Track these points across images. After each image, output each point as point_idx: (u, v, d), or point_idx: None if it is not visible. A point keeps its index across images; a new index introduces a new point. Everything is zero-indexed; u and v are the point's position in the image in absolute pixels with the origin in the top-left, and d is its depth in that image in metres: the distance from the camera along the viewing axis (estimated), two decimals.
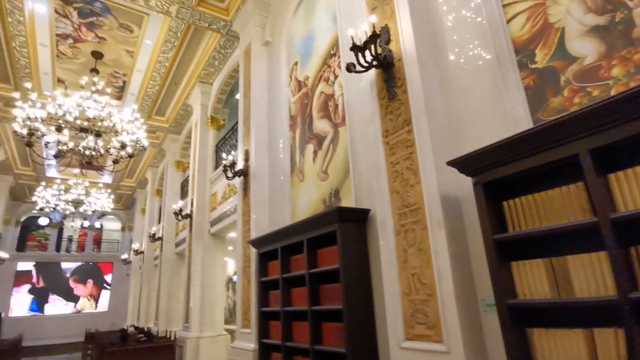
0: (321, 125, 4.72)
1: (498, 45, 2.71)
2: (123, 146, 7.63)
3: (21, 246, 18.75)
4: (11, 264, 17.61)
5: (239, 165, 6.01)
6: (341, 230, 3.39)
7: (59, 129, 7.13)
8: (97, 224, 20.73)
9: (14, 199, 17.61)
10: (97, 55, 8.48)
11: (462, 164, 2.31)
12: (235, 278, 13.00)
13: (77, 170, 11.61)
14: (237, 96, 8.97)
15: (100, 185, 14.48)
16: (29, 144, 7.03)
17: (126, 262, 18.21)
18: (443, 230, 2.49)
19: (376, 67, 3.19)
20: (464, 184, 2.53)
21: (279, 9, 6.29)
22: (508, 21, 2.71)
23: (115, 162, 8.25)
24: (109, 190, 13.44)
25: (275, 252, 4.51)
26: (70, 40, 8.12)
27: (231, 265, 13.04)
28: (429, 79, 2.94)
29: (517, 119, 2.48)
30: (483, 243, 2.14)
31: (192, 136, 9.65)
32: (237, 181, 6.16)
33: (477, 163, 2.21)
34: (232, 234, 8.83)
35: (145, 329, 9.53)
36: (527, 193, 2.05)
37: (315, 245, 3.87)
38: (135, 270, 15.90)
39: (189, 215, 8.49)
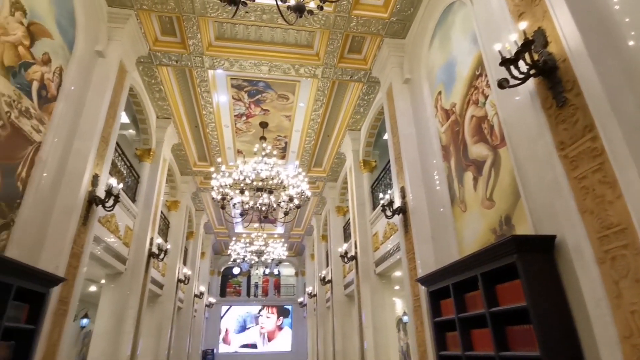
0: (477, 150, 4.41)
1: None
2: (291, 199, 8.59)
3: (223, 292, 22.46)
4: (217, 308, 21.17)
5: (397, 203, 6.03)
6: (522, 262, 2.98)
7: (241, 192, 8.51)
8: (276, 271, 23.35)
9: (215, 253, 21.48)
10: (264, 125, 10.02)
11: None
12: (405, 318, 12.62)
13: (257, 225, 13.59)
14: (385, 137, 9.24)
15: (275, 235, 16.47)
16: (223, 207, 8.60)
17: (302, 305, 19.78)
18: None
19: (535, 75, 2.87)
20: None
21: (414, 46, 6.37)
22: None
23: (285, 213, 9.33)
24: (283, 240, 15.13)
25: (447, 289, 4.23)
26: (244, 118, 9.86)
27: (399, 305, 12.77)
28: (609, 74, 2.47)
29: None
30: None
31: (348, 181, 10.22)
32: (397, 219, 6.15)
33: None
34: (398, 273, 8.74)
35: None
36: None
37: (491, 281, 3.48)
38: (311, 312, 17.08)
39: (354, 257, 8.80)
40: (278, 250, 14.02)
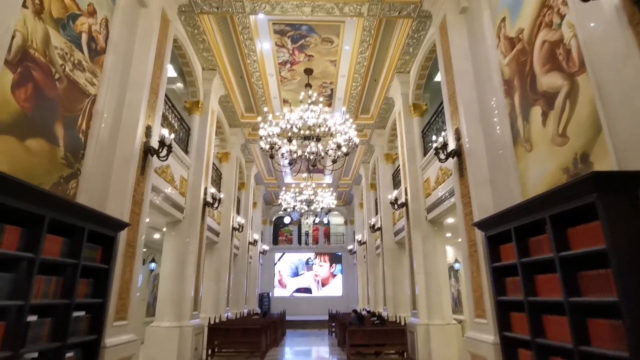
0: (549, 80, 3.91)
1: None
2: (338, 146, 8.44)
3: (275, 240, 23.52)
4: (270, 254, 22.31)
5: (451, 146, 5.68)
6: (603, 203, 2.66)
7: (289, 140, 8.47)
8: (325, 220, 23.88)
9: (266, 204, 22.26)
10: (308, 71, 9.69)
11: None
12: (457, 266, 12.51)
13: (305, 175, 13.72)
14: (437, 78, 8.60)
15: (324, 185, 16.57)
16: (271, 156, 8.65)
17: (352, 252, 20.25)
18: None
19: None
20: None
21: None
22: None
23: (333, 161, 9.20)
24: (331, 189, 15.18)
25: (507, 233, 3.99)
26: (288, 65, 9.58)
27: (450, 253, 12.66)
28: None
29: None
30: None
31: (397, 127, 9.82)
32: (451, 163, 5.83)
33: None
34: (450, 220, 8.49)
35: (377, 313, 10.24)
36: None
37: (560, 224, 3.19)
38: (360, 259, 17.46)
39: (405, 204, 8.64)
40: (327, 199, 14.15)
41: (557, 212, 3.16)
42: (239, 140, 12.57)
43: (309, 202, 14.30)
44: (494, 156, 4.94)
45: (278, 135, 8.68)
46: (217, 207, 9.04)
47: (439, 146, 5.66)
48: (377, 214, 13.39)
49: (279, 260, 22.87)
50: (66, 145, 4.10)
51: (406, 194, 8.67)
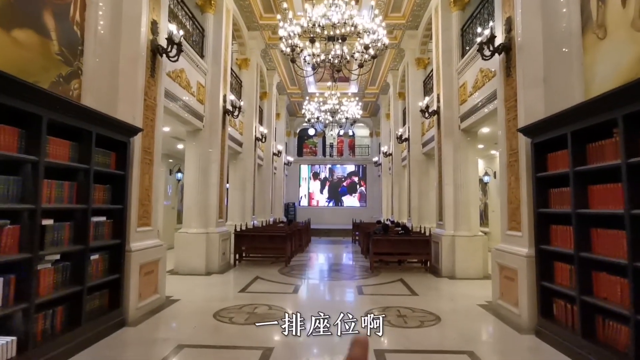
0: None
1: None
2: (366, 48, 7.60)
3: (300, 152, 23.49)
4: (295, 166, 22.46)
5: (499, 40, 4.86)
6: None
7: (311, 41, 7.66)
8: (350, 132, 23.35)
9: (290, 115, 21.75)
10: None
11: None
12: (486, 179, 12.11)
13: (330, 83, 12.92)
14: None
15: (349, 94, 15.72)
16: (293, 60, 7.94)
17: (377, 164, 20.01)
18: None
19: None
20: None
21: None
22: None
23: (360, 66, 8.42)
24: (357, 99, 14.39)
25: (560, 139, 3.47)
26: None
27: (480, 166, 12.22)
28: None
29: None
30: None
31: (433, 24, 8.69)
32: (496, 61, 5.07)
33: None
34: (485, 129, 7.88)
35: (401, 224, 10.26)
36: None
37: (633, 126, 2.65)
38: (385, 171, 17.27)
39: (436, 112, 7.98)
40: (352, 109, 13.49)
41: (632, 111, 2.59)
42: (258, 44, 11.69)
43: (333, 113, 13.72)
44: (553, 50, 4.17)
45: (299, 36, 7.88)
46: (237, 116, 8.68)
47: (484, 40, 4.85)
48: (404, 124, 12.75)
49: (302, 171, 23.07)
50: (60, 38, 3.67)
51: (438, 101, 7.95)
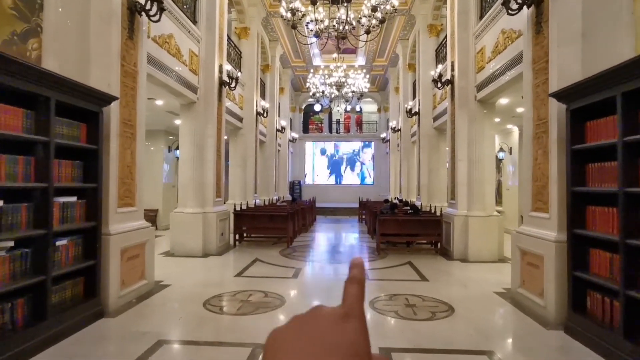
0: None
1: None
2: (374, 9, 6.90)
3: (305, 129, 22.84)
4: (301, 143, 21.88)
5: (446, 76, 4.21)
6: None
7: (313, 2, 6.98)
8: (357, 108, 22.57)
9: (295, 90, 21.00)
10: None
11: None
12: (500, 155, 11.45)
13: (335, 55, 12.18)
14: None
15: (356, 66, 14.94)
16: (294, 26, 7.30)
17: (384, 140, 19.30)
18: None
19: None
20: None
21: None
22: None
23: (367, 32, 7.72)
24: (364, 72, 13.64)
25: (605, 104, 2.89)
26: None
27: (496, 142, 11.54)
28: None
29: None
30: None
31: None
32: (523, 18, 4.40)
33: None
34: (504, 100, 7.23)
35: (410, 202, 9.75)
36: None
37: None
38: (393, 147, 16.63)
39: (450, 82, 7.30)
40: (359, 82, 12.79)
41: None
42: (259, 12, 10.95)
43: (339, 86, 13.03)
44: None
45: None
46: (234, 87, 8.08)
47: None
48: (414, 97, 12.03)
49: (307, 148, 22.47)
50: None
51: (453, 70, 7.25)
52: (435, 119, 9.98)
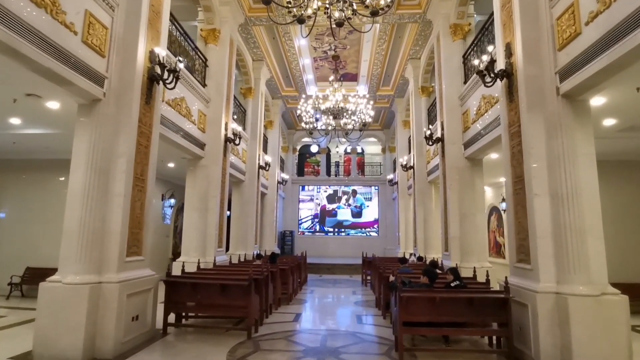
0: None
1: None
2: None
3: (300, 172, 20.17)
4: (294, 187, 19.11)
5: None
6: None
7: None
8: (359, 148, 20.07)
9: (289, 128, 18.62)
10: None
11: None
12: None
13: (332, 78, 9.78)
14: None
15: (358, 95, 12.51)
16: (266, 2, 4.80)
17: (392, 183, 16.39)
18: None
19: None
20: None
21: None
22: None
23: (373, 13, 5.19)
24: (367, 96, 11.10)
25: None
26: None
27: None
28: None
29: None
30: None
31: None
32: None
33: None
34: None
35: (437, 263, 6.72)
36: None
37: None
38: (403, 191, 13.81)
39: (505, 73, 4.66)
40: (361, 107, 10.23)
41: None
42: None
43: (336, 114, 10.45)
44: None
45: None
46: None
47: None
48: (431, 124, 9.42)
49: (301, 194, 19.61)
50: None
51: (512, 55, 4.65)
52: (466, 145, 7.20)
